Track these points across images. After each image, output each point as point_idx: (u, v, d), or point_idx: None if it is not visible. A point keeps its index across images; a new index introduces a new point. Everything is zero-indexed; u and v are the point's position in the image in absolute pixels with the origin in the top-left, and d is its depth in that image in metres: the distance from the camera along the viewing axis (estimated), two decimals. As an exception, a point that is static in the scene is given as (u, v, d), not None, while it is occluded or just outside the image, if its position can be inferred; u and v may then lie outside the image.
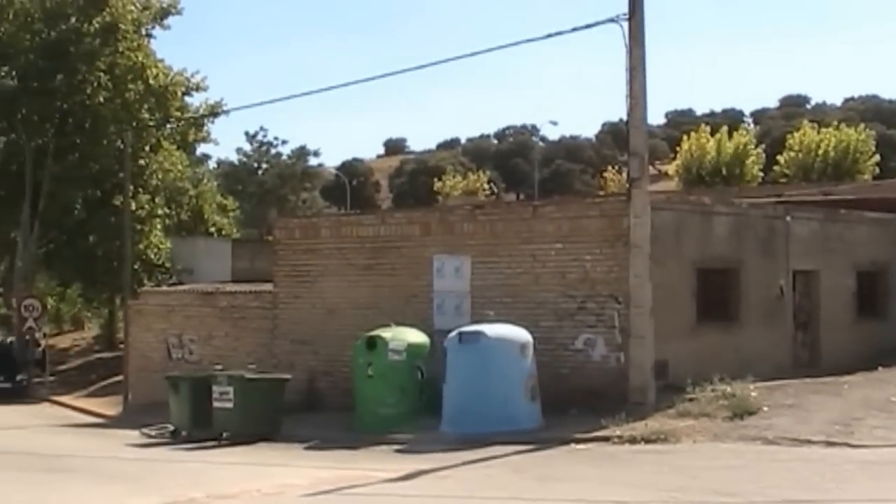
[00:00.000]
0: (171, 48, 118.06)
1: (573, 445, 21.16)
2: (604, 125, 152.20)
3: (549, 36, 24.53)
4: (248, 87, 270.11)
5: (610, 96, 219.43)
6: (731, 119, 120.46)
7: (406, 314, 27.35)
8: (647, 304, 23.52)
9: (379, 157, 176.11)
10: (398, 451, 22.92)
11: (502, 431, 22.07)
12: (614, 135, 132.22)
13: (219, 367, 28.51)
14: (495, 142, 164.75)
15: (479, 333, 23.91)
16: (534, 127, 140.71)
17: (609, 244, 25.33)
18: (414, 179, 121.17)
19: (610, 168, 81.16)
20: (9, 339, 55.22)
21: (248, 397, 26.24)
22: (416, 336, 26.13)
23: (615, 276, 25.00)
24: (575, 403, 23.74)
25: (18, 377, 44.10)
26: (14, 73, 48.25)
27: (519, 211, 30.14)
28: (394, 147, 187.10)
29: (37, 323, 45.41)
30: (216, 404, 26.65)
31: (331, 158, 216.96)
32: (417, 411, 25.06)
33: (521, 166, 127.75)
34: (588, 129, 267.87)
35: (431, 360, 25.64)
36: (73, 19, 47.38)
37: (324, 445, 24.55)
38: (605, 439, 21.24)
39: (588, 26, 23.72)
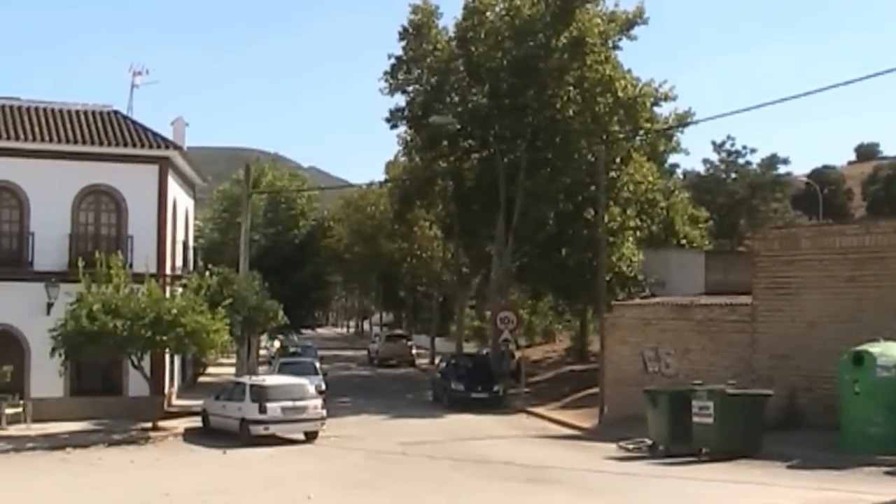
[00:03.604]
0: (638, 58, 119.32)
1: None
2: None
3: None
4: (716, 94, 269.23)
5: None
6: None
7: (893, 328, 26.63)
8: None
9: (850, 163, 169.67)
10: (888, 473, 22.46)
11: None
12: None
13: (697, 381, 28.89)
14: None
15: (977, 350, 23.02)
16: None
17: None
18: (889, 186, 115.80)
19: None
20: (484, 351, 58.34)
21: (729, 413, 26.52)
22: (905, 351, 25.43)
23: None
24: None
25: (495, 388, 45.85)
26: (486, 90, 50.84)
27: None
28: (866, 152, 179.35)
29: (512, 335, 47.32)
30: (695, 419, 27.12)
31: (800, 166, 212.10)
32: (908, 431, 24.40)
33: None
34: None
35: (923, 378, 24.86)
36: (541, 36, 49.10)
37: (807, 464, 24.46)
38: None
39: None
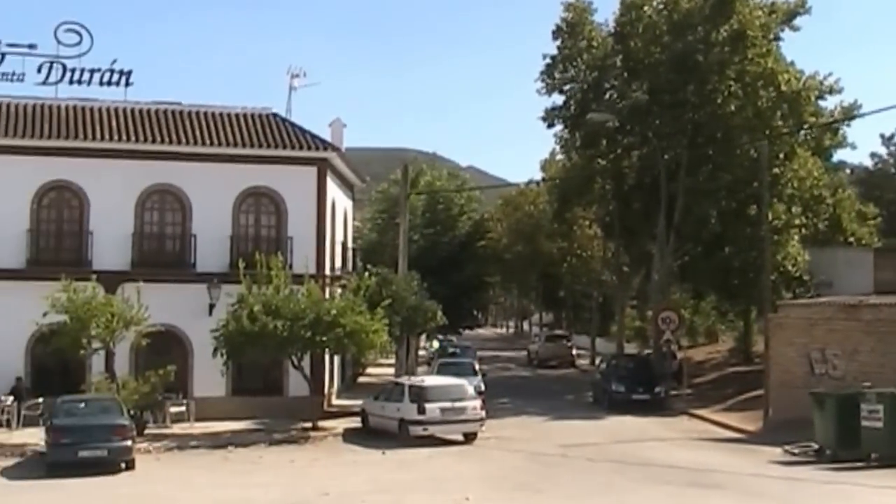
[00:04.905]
0: (801, 49, 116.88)
1: None
2: None
3: None
4: (885, 84, 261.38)
5: None
6: None
7: None
8: None
9: None
10: None
11: None
12: None
13: (866, 383, 28.10)
14: None
15: None
16: None
17: None
18: None
19: None
20: (646, 352, 57.78)
21: (900, 417, 25.74)
22: None
23: None
24: None
25: (656, 389, 45.27)
26: (644, 86, 50.26)
27: None
28: None
29: (674, 335, 46.68)
30: (864, 423, 26.42)
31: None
32: None
33: None
34: None
35: None
36: (700, 29, 48.49)
37: None
38: None
39: None
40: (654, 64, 49.38)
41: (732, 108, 47.71)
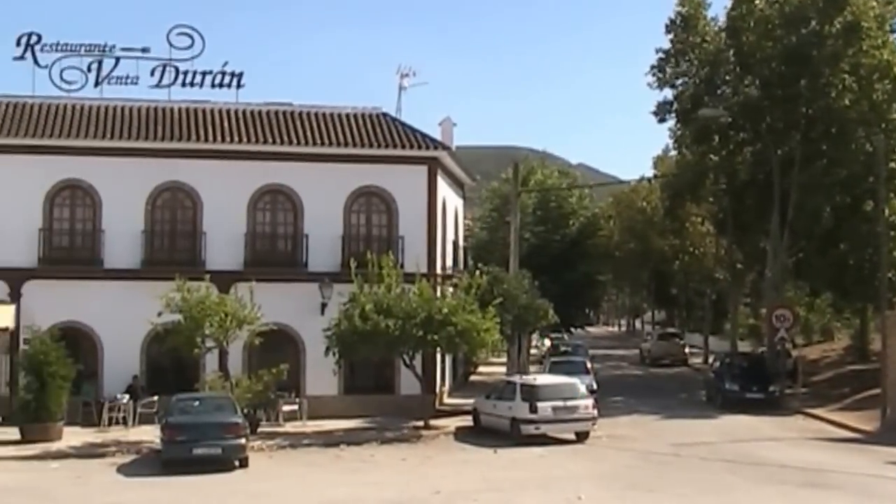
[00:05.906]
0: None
1: None
2: None
3: None
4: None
5: None
6: None
7: None
8: None
9: None
10: None
11: None
12: None
13: None
14: None
15: None
16: None
17: None
18: None
19: None
20: (760, 350, 56.90)
21: None
22: None
23: None
24: None
25: (770, 388, 44.53)
26: (757, 81, 49.47)
27: None
28: None
29: (788, 333, 45.88)
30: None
31: None
32: None
33: None
34: None
35: None
36: (813, 22, 47.50)
37: None
38: None
39: None
40: (766, 58, 48.48)
41: (847, 101, 46.52)
